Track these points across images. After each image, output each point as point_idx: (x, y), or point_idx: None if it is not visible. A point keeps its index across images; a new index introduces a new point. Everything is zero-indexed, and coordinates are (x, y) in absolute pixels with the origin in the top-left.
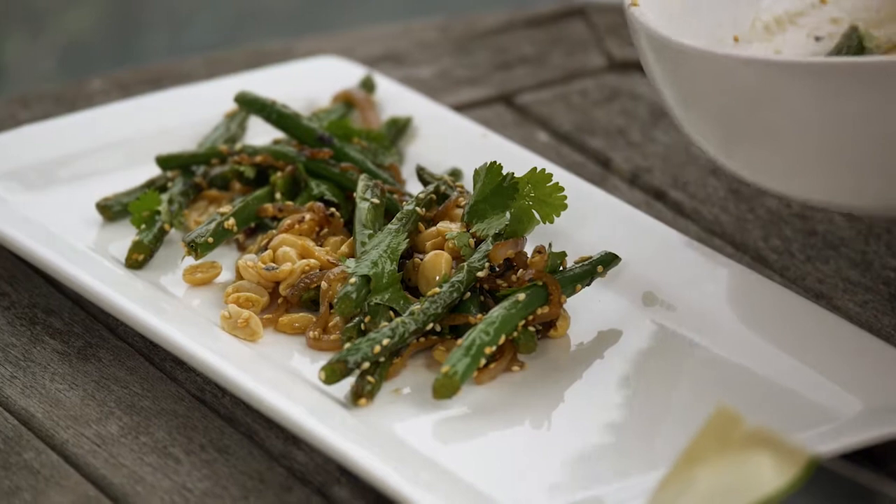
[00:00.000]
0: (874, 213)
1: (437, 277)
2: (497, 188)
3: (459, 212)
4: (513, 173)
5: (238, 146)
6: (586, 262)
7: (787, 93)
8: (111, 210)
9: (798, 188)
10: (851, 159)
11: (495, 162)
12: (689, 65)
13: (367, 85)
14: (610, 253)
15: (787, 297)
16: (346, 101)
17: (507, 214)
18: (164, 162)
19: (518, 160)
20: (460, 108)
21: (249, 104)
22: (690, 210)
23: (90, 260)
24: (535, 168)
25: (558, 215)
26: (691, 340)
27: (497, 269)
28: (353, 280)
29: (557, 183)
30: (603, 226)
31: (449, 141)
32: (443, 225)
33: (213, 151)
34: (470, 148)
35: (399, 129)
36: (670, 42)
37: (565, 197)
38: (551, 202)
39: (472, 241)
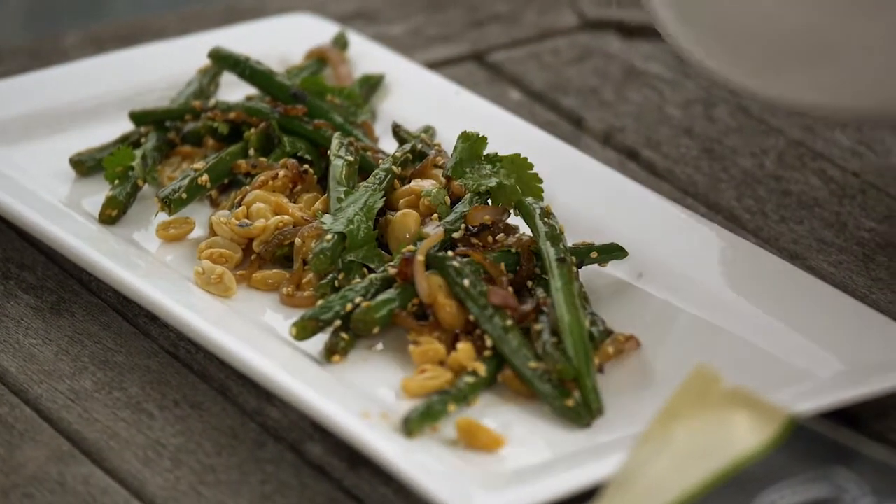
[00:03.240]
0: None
1: (408, 235)
2: (479, 155)
3: (436, 171)
4: (496, 153)
5: (211, 102)
6: (585, 247)
7: None
8: (84, 165)
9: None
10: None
11: (483, 136)
12: None
13: (340, 42)
14: (615, 245)
15: (761, 257)
16: (319, 58)
17: (493, 180)
18: (138, 117)
19: (491, 118)
20: (432, 65)
21: (223, 60)
22: (663, 170)
23: (63, 215)
24: (519, 154)
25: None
26: (666, 301)
27: (472, 230)
28: (328, 237)
29: (537, 174)
30: (576, 186)
31: (421, 98)
32: (416, 183)
33: (187, 107)
34: (443, 105)
35: (372, 86)
36: None
37: (542, 189)
38: (530, 187)
39: (447, 198)
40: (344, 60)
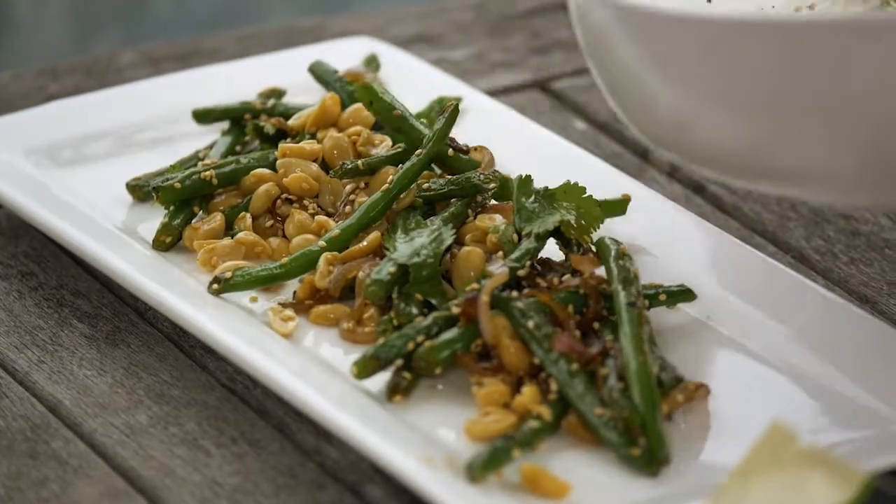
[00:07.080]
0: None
1: (472, 273)
2: (535, 198)
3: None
4: (546, 187)
5: (270, 103)
6: (654, 289)
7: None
8: (141, 190)
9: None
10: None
11: (528, 176)
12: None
13: (373, 64)
14: (685, 287)
15: (831, 301)
16: (353, 81)
17: (556, 218)
18: (200, 115)
19: (555, 149)
20: (495, 92)
21: (319, 76)
22: (730, 206)
23: (119, 241)
24: (569, 182)
25: (596, 229)
26: (734, 345)
27: (538, 269)
28: (390, 268)
29: (591, 196)
30: (641, 220)
31: (483, 126)
32: (480, 220)
33: (247, 107)
34: (505, 134)
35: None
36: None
37: (601, 213)
38: (589, 214)
39: (515, 236)
40: (378, 82)
